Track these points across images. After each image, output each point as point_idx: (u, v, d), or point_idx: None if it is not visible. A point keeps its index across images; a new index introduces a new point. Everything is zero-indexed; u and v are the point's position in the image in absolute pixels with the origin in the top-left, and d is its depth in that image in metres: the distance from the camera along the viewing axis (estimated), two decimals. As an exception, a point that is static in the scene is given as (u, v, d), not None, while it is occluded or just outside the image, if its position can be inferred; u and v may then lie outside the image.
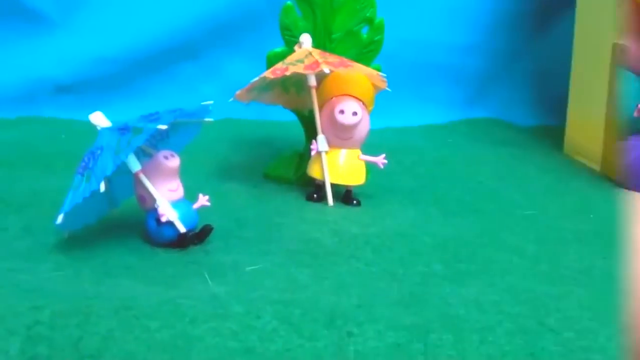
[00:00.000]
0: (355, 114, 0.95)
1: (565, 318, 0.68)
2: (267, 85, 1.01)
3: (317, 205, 0.97)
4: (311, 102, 0.98)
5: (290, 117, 1.10)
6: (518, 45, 1.57)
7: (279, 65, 0.96)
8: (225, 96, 1.01)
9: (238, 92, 0.98)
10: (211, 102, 0.85)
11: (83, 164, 0.78)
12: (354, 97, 0.96)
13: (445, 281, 0.76)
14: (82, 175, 0.77)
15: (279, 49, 1.04)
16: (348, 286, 0.73)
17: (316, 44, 1.02)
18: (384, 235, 0.87)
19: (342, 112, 0.95)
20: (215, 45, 1.49)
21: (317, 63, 0.94)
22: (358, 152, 0.98)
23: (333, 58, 0.97)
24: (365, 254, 0.82)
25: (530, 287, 0.75)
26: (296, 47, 1.01)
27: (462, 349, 0.62)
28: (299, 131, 1.09)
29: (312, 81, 0.98)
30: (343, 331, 0.63)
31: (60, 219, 0.77)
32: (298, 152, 1.10)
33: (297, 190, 1.02)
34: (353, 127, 0.95)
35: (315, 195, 0.99)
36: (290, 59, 0.97)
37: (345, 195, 0.99)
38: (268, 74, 0.95)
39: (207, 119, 0.88)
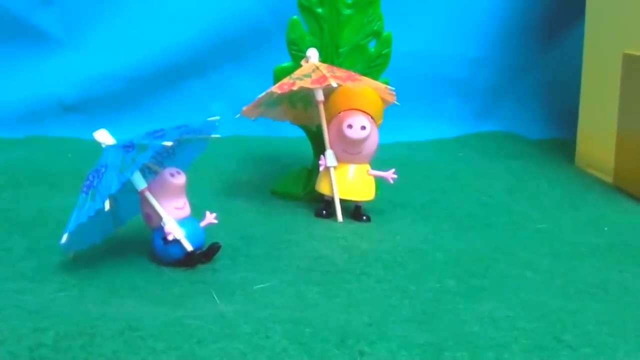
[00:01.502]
0: (363, 128, 0.94)
1: (582, 333, 0.67)
2: (274, 101, 1.00)
3: (326, 222, 0.96)
4: (319, 117, 0.97)
5: (298, 133, 1.10)
6: (527, 58, 1.56)
7: (286, 80, 0.95)
8: (232, 112, 1.01)
9: (245, 108, 0.98)
10: (217, 117, 0.85)
11: (87, 182, 0.78)
12: (362, 111, 0.95)
13: (459, 297, 0.74)
14: (87, 193, 0.76)
15: (286, 63, 1.04)
16: (359, 304, 0.72)
17: (323, 58, 1.01)
18: (395, 251, 0.86)
19: (350, 126, 0.94)
20: (222, 62, 1.49)
21: (324, 77, 0.93)
22: (367, 167, 0.97)
23: (341, 72, 0.97)
24: (376, 271, 0.80)
25: (546, 302, 0.73)
26: (303, 62, 1.00)
27: (477, 368, 0.61)
28: (306, 147, 1.09)
29: (320, 96, 0.97)
30: (355, 350, 0.62)
31: (64, 238, 0.76)
32: (306, 168, 1.09)
33: (305, 206, 1.01)
34: (362, 141, 0.94)
35: (324, 212, 0.98)
36: (297, 73, 0.96)
37: (354, 211, 0.98)
38: (275, 89, 0.94)
39: (214, 135, 0.87)
